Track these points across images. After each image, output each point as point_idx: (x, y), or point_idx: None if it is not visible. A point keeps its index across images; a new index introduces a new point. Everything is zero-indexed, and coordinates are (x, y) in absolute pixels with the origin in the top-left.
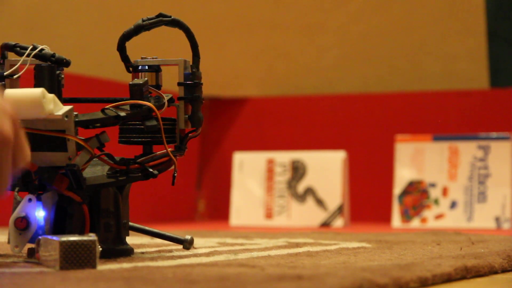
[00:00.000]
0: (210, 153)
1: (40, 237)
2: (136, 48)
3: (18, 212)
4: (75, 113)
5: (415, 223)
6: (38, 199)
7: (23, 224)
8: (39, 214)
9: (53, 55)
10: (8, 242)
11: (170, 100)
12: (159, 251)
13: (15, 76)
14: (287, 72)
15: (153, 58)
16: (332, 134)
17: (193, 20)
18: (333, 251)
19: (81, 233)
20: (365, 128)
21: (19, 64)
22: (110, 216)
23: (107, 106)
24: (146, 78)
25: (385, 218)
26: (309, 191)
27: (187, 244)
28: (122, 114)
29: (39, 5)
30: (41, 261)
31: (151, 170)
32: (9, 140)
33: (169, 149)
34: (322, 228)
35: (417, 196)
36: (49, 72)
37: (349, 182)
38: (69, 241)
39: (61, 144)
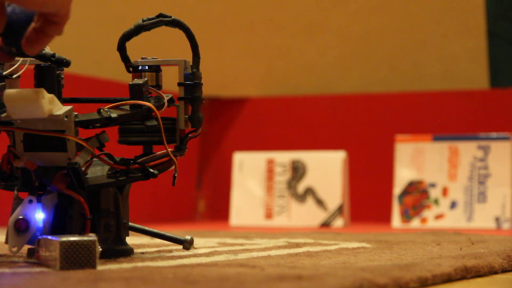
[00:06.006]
0: (210, 153)
1: (40, 237)
2: (136, 48)
3: (18, 213)
4: (75, 113)
5: (415, 223)
6: (38, 200)
7: (22, 225)
8: (39, 216)
9: (53, 55)
10: (6, 242)
11: (170, 100)
12: (159, 251)
13: (14, 76)
14: (287, 72)
15: (153, 58)
16: (332, 134)
17: (193, 20)
18: (333, 251)
19: (81, 233)
20: (365, 128)
21: (18, 64)
22: (110, 216)
23: (104, 107)
24: (146, 78)
25: (385, 218)
26: (309, 191)
27: (187, 244)
28: (114, 115)
29: None
30: (41, 261)
31: (151, 170)
32: None
33: (169, 149)
34: (322, 228)
35: (417, 196)
36: (49, 72)
37: (349, 182)
38: (69, 241)
39: (61, 144)
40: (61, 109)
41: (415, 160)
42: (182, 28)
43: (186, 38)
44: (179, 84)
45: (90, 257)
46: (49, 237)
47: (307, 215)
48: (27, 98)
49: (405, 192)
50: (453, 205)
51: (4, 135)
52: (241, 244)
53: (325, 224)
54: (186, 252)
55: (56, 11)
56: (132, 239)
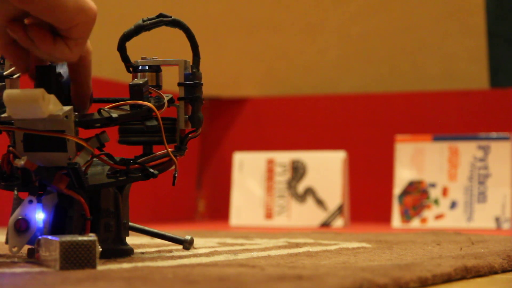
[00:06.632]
0: (210, 153)
1: (40, 237)
2: (136, 48)
3: (18, 213)
4: (75, 113)
5: (415, 223)
6: (38, 200)
7: (23, 225)
8: (39, 216)
9: None
10: (6, 243)
11: (170, 100)
12: (159, 251)
13: (15, 76)
14: (287, 72)
15: (153, 58)
16: (332, 134)
17: (193, 20)
18: (333, 251)
19: (81, 233)
20: (365, 128)
21: None
22: (110, 216)
23: (104, 107)
24: (146, 78)
25: (385, 218)
26: (309, 191)
27: (187, 244)
28: (114, 115)
29: None
30: (41, 261)
31: (151, 170)
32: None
33: (169, 149)
34: (322, 228)
35: (417, 196)
36: (49, 72)
37: (349, 182)
38: (69, 241)
39: (61, 144)
40: (61, 109)
41: (415, 160)
42: (182, 28)
43: (186, 38)
44: (179, 84)
45: (90, 257)
46: (49, 237)
47: (307, 215)
48: (27, 98)
49: (405, 192)
50: (453, 205)
51: (4, 135)
52: (241, 244)
53: (325, 224)
54: (186, 252)
55: (66, 24)
56: (132, 239)
